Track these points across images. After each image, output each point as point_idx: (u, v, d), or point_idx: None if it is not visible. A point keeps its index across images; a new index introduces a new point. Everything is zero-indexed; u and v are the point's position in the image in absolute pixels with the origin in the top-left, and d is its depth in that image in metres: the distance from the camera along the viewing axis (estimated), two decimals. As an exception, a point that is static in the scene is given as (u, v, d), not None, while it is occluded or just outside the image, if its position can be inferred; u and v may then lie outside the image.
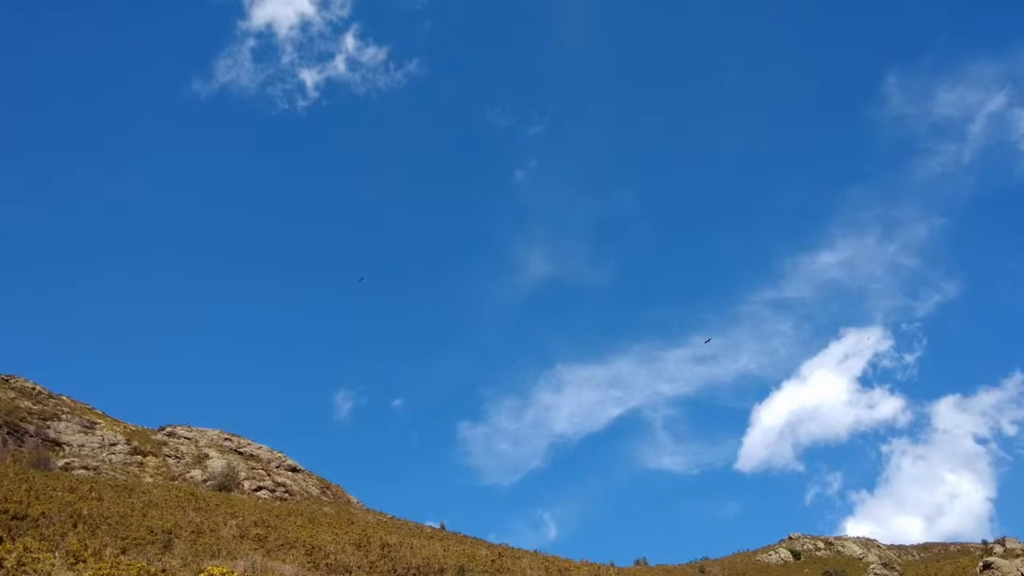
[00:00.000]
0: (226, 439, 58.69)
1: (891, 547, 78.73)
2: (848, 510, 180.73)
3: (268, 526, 34.87)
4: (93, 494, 33.66)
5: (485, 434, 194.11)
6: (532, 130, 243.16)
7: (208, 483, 49.01)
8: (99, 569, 20.27)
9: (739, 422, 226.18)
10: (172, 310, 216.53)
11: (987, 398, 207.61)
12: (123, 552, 25.23)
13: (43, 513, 27.44)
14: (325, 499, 54.68)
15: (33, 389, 52.92)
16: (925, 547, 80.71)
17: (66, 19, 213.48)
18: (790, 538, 78.88)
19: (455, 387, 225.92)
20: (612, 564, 53.80)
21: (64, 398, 54.77)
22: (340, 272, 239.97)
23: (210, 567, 22.72)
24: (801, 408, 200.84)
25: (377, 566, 32.86)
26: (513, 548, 49.23)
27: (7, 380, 52.62)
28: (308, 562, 30.28)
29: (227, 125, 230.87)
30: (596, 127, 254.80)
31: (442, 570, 34.43)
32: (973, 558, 64.91)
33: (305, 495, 53.63)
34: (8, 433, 45.02)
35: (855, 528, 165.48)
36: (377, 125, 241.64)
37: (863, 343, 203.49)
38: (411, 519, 54.59)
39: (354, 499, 58.42)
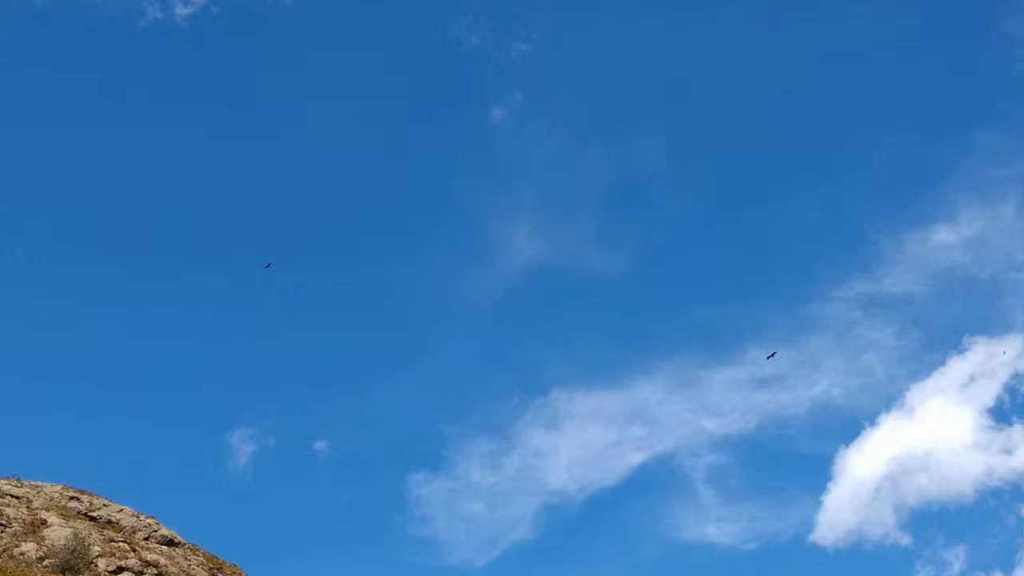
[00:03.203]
0: (72, 498, 50.72)
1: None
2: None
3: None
4: None
5: (448, 491, 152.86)
6: (516, 50, 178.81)
7: (47, 562, 42.78)
8: None
9: (817, 474, 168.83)
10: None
11: None
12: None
13: None
14: (215, 584, 48.20)
15: None
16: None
17: None
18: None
19: (405, 423, 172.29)
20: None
21: None
22: (237, 257, 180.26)
23: None
24: (907, 453, 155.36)
25: None
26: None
27: None
28: None
29: (74, 43, 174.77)
30: (608, 45, 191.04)
31: None
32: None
33: (186, 579, 46.93)
34: None
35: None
36: (293, 44, 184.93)
37: (996, 359, 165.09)
38: (340, 613, 46.81)
39: (257, 584, 51.59)
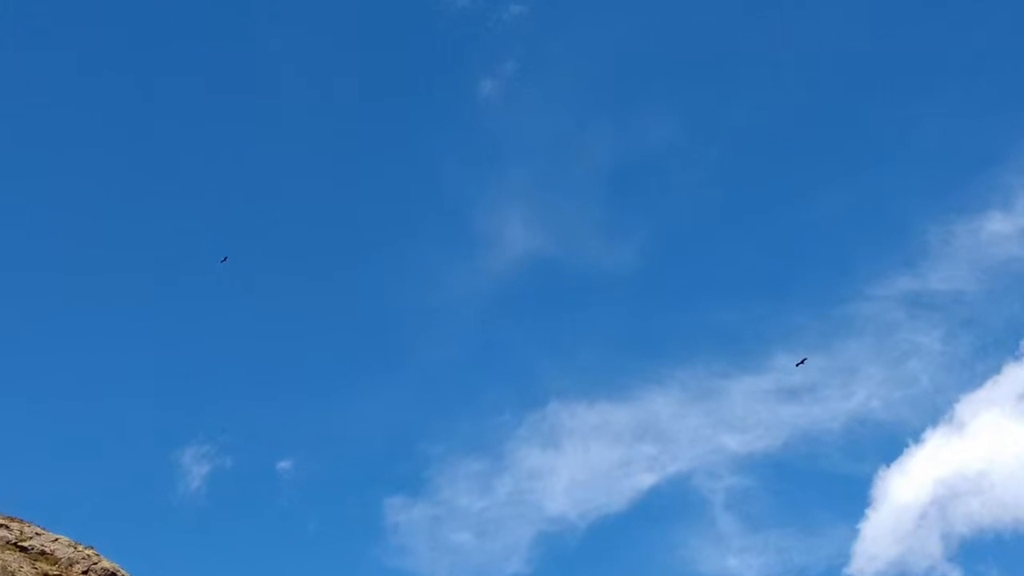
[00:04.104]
0: (0, 526, 48.43)
1: None
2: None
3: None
4: None
5: (431, 517, 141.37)
6: (509, 12, 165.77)
7: (-31, 600, 39.35)
8: None
9: (854, 498, 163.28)
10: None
11: None
12: None
13: None
14: (162, 624, 44.98)
15: None
16: None
17: None
18: None
19: (381, 440, 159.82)
20: None
21: None
22: (188, 250, 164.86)
23: None
24: (957, 474, 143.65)
25: None
26: None
27: None
28: None
29: (14, 13, 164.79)
30: (613, 6, 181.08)
31: None
32: None
33: (129, 618, 45.18)
34: None
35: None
36: (259, 5, 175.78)
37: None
38: (304, 656, 44.84)
39: (209, 623, 48.62)
